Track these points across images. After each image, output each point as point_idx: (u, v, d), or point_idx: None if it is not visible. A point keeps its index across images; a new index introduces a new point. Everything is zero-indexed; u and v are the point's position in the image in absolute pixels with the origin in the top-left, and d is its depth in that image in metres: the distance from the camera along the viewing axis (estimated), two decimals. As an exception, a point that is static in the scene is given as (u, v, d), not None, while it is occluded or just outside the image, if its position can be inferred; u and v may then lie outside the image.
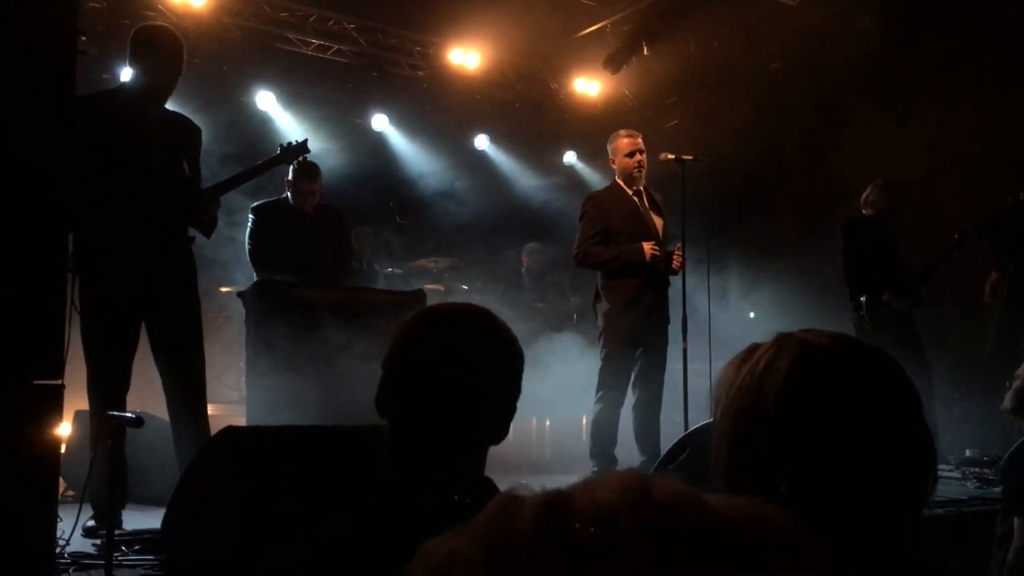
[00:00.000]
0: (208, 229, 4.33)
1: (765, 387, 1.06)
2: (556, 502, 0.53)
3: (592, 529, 0.51)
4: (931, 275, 6.20)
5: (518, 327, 1.65)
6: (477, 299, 7.58)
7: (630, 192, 5.32)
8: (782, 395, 1.04)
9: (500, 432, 1.55)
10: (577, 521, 0.52)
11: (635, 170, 5.27)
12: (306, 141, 4.68)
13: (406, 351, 1.52)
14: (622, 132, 5.44)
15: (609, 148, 5.43)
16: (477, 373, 1.49)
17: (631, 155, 5.30)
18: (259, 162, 4.53)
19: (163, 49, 4.05)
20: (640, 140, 5.36)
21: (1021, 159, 6.48)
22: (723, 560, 0.51)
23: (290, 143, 4.65)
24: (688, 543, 0.51)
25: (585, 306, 7.41)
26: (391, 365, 1.53)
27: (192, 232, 4.24)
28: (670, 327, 5.41)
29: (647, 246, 5.02)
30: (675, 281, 5.42)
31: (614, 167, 5.40)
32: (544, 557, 0.51)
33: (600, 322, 5.29)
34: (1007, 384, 3.07)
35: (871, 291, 6.10)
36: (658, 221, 5.36)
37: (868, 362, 1.09)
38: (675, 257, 5.24)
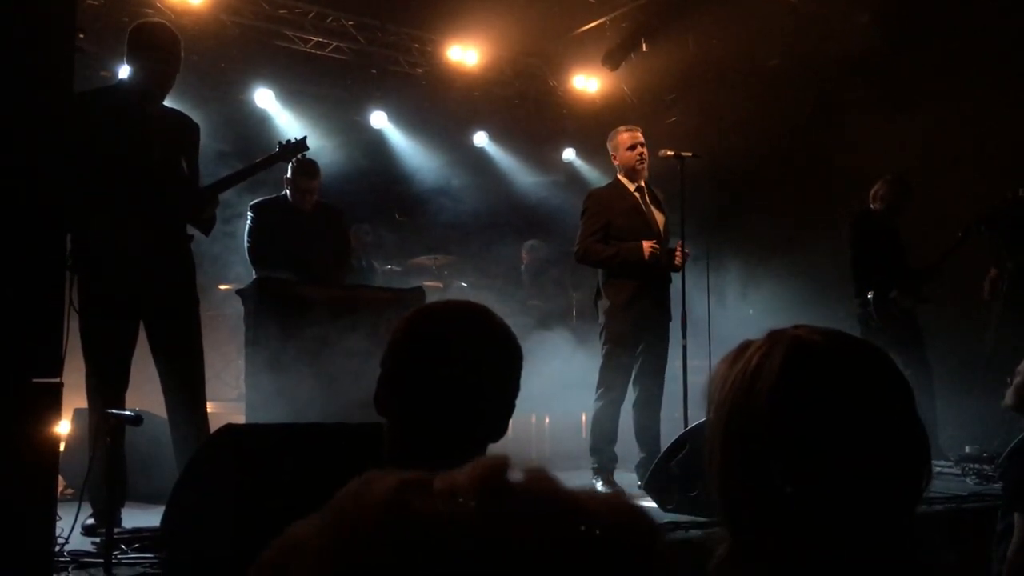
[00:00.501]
0: (207, 227, 4.33)
1: (758, 384, 1.06)
2: (413, 481, 0.54)
3: (438, 506, 0.51)
4: (936, 272, 6.20)
5: (517, 324, 1.65)
6: (476, 296, 7.57)
7: (632, 189, 5.32)
8: (775, 392, 1.04)
9: (499, 429, 1.55)
10: (427, 498, 0.52)
11: (637, 163, 5.27)
12: (305, 138, 4.68)
13: (405, 349, 1.52)
14: (621, 128, 5.45)
15: (609, 146, 5.43)
16: (476, 371, 1.49)
17: (632, 148, 5.29)
18: (258, 159, 4.53)
19: (161, 46, 4.04)
20: (640, 134, 5.36)
21: (1020, 155, 6.47)
22: (560, 546, 0.51)
23: (289, 140, 4.65)
24: (529, 526, 0.50)
25: (585, 302, 7.41)
26: (390, 363, 1.53)
27: (191, 230, 4.24)
28: (670, 324, 5.41)
29: (646, 244, 5.02)
30: (675, 278, 5.42)
31: (616, 163, 5.39)
32: (385, 531, 0.51)
33: (601, 319, 5.28)
34: (1008, 380, 3.08)
35: (878, 287, 6.10)
36: (659, 218, 5.36)
37: (860, 358, 1.09)
38: (677, 254, 5.23)
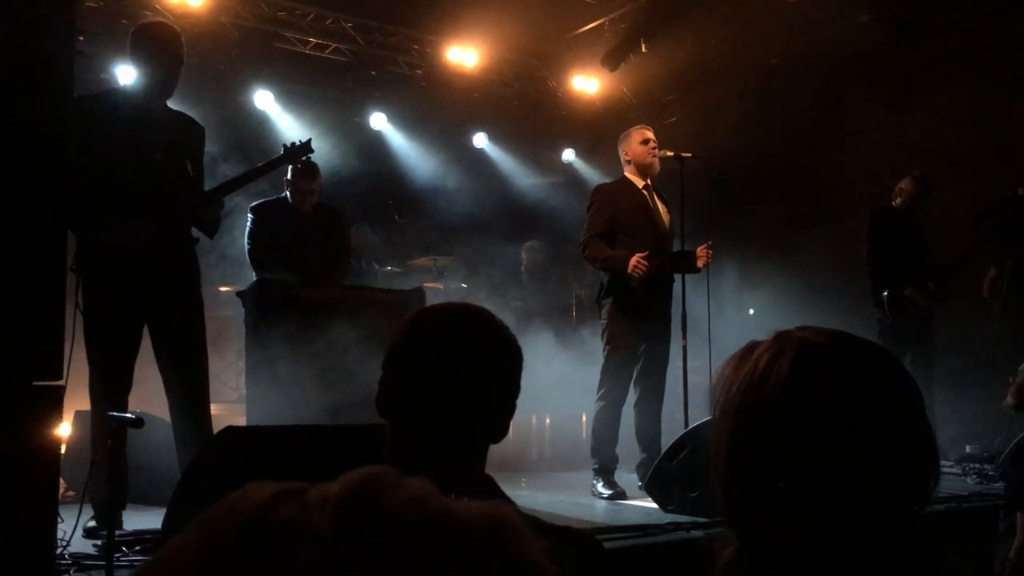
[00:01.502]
0: (211, 230, 4.32)
1: (765, 387, 1.05)
2: (290, 490, 0.53)
3: (300, 516, 0.51)
4: (957, 271, 6.22)
5: (517, 325, 1.65)
6: (475, 297, 7.58)
7: (640, 186, 5.32)
8: (783, 394, 1.04)
9: (500, 430, 1.55)
10: (295, 507, 0.52)
11: (650, 155, 5.27)
12: (310, 141, 4.66)
13: (405, 351, 1.52)
14: (633, 127, 5.46)
15: (621, 148, 5.42)
16: (476, 372, 1.50)
17: (645, 143, 5.30)
18: (263, 163, 4.52)
19: (163, 46, 4.04)
20: (651, 133, 5.37)
21: (1019, 154, 6.48)
22: (420, 555, 0.50)
23: (294, 143, 4.64)
24: (382, 543, 0.50)
25: (589, 295, 7.42)
26: (390, 365, 1.54)
27: (195, 233, 4.23)
28: (671, 325, 5.41)
29: (633, 260, 4.97)
30: (675, 278, 5.42)
31: (626, 158, 5.36)
32: (245, 540, 0.51)
33: (603, 319, 5.28)
34: (1009, 380, 3.08)
35: (893, 285, 6.11)
36: (666, 217, 5.36)
37: (868, 360, 1.08)
38: (700, 255, 5.22)
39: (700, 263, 5.24)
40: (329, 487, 0.53)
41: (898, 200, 6.35)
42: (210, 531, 0.53)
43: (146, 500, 4.15)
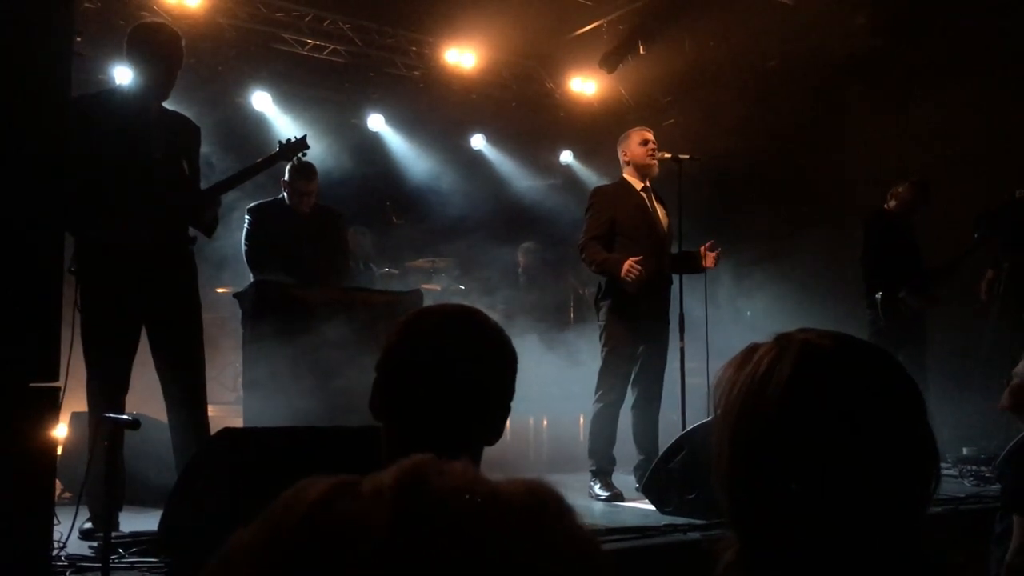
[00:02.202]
0: (210, 228, 4.32)
1: (767, 389, 1.05)
2: (345, 483, 0.56)
3: (360, 506, 0.53)
4: (950, 275, 6.23)
5: (515, 326, 1.65)
6: (473, 299, 7.58)
7: (638, 188, 5.32)
8: (785, 397, 1.04)
9: (494, 432, 1.55)
10: (353, 499, 0.54)
11: (648, 156, 5.27)
12: (305, 137, 4.66)
13: (399, 353, 1.52)
14: (631, 129, 5.46)
15: (620, 149, 5.41)
16: (470, 374, 1.50)
17: (644, 144, 5.30)
18: (259, 160, 4.52)
19: (160, 46, 4.03)
20: (650, 134, 5.37)
21: (1018, 155, 6.49)
22: (472, 543, 0.53)
23: (289, 140, 4.63)
24: (444, 523, 0.53)
25: (588, 292, 7.42)
26: (385, 367, 1.54)
27: (193, 232, 4.23)
28: (670, 327, 5.41)
29: (625, 265, 4.96)
30: (673, 280, 5.41)
31: (625, 160, 5.36)
32: (309, 532, 0.53)
33: (602, 320, 5.27)
34: (1004, 382, 3.08)
35: (887, 287, 6.12)
36: (664, 219, 5.36)
37: (870, 363, 1.09)
38: (710, 256, 5.22)
39: (710, 262, 5.24)
40: (380, 478, 0.55)
41: (893, 203, 6.36)
42: (272, 530, 0.55)
43: (143, 502, 4.14)
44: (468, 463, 0.58)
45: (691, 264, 5.31)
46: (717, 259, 5.27)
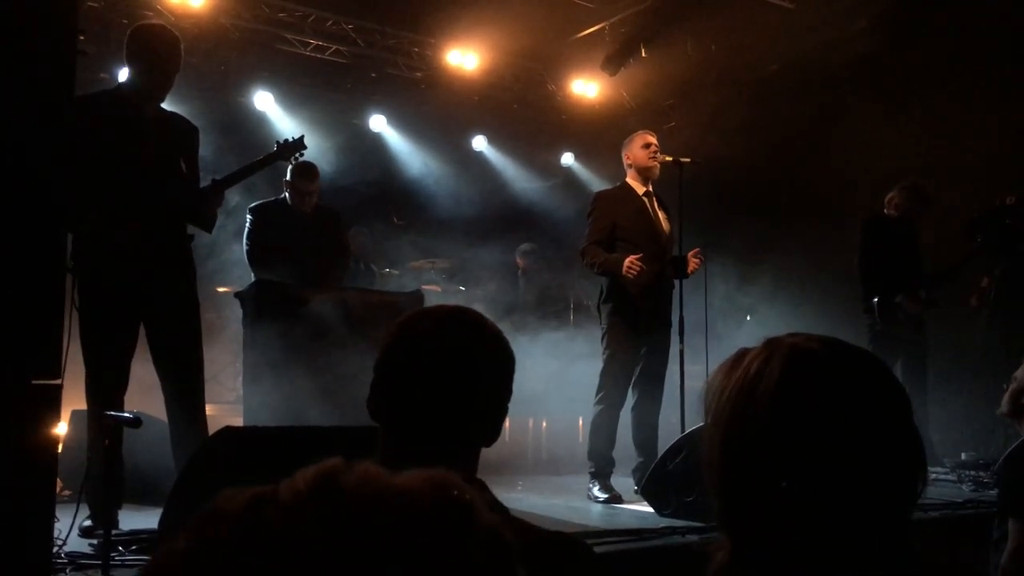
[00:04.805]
0: (209, 224, 4.33)
1: (757, 391, 1.07)
2: (261, 493, 0.59)
3: (283, 516, 0.56)
4: (950, 279, 6.22)
5: (514, 328, 1.66)
6: (473, 300, 7.59)
7: (640, 192, 5.33)
8: (774, 398, 1.06)
9: (491, 434, 1.56)
10: (275, 508, 0.57)
11: (650, 159, 5.28)
12: (303, 137, 4.69)
13: (396, 353, 1.53)
14: (635, 133, 5.48)
15: (624, 152, 5.43)
16: (468, 375, 1.50)
17: (647, 147, 5.31)
18: (257, 158, 4.53)
19: (159, 48, 4.05)
20: (653, 138, 5.38)
21: (1017, 159, 6.49)
22: (381, 536, 0.56)
23: (287, 139, 4.66)
24: (359, 521, 0.56)
25: (587, 300, 7.42)
26: (382, 368, 1.54)
27: (191, 230, 4.24)
28: (671, 330, 5.41)
29: (627, 261, 4.98)
30: (675, 284, 5.42)
31: (628, 163, 5.38)
32: (242, 544, 0.55)
33: (604, 323, 5.28)
34: (1004, 387, 3.09)
35: (884, 292, 6.12)
36: (666, 224, 5.36)
37: (857, 365, 1.10)
38: (692, 261, 5.24)
39: (690, 268, 5.25)
40: (295, 486, 0.59)
41: (890, 210, 6.36)
42: (200, 537, 0.57)
43: (142, 500, 4.15)
44: (371, 463, 0.61)
45: (679, 269, 5.31)
46: (697, 266, 5.28)
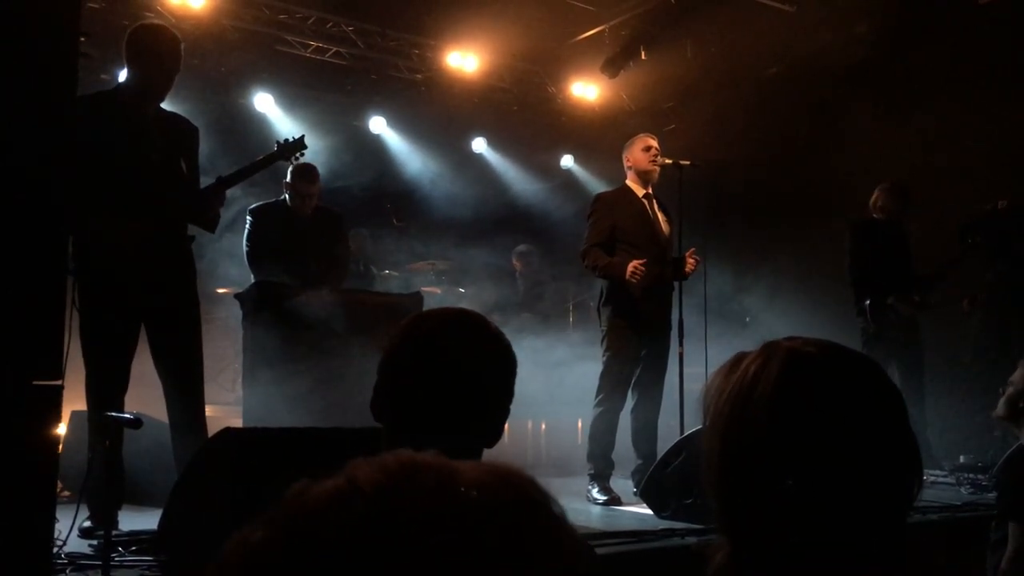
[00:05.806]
0: (212, 224, 4.34)
1: (755, 394, 1.08)
2: (343, 486, 0.60)
3: (372, 505, 0.58)
4: (939, 281, 6.22)
5: (514, 330, 1.67)
6: (473, 302, 7.59)
7: (640, 195, 5.34)
8: (772, 401, 1.07)
9: (493, 435, 1.57)
10: (361, 498, 0.58)
11: (650, 162, 5.29)
12: (303, 137, 4.69)
13: (400, 355, 1.54)
14: (636, 135, 5.49)
15: (624, 155, 5.44)
16: (470, 377, 1.51)
17: (647, 149, 5.33)
18: (257, 158, 4.53)
19: (159, 48, 4.05)
20: (654, 141, 5.39)
21: (1017, 162, 6.50)
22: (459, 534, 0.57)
23: (287, 139, 4.66)
24: (437, 516, 0.58)
25: (586, 302, 7.42)
26: (385, 369, 1.55)
27: (192, 231, 4.24)
28: (671, 333, 5.41)
29: (630, 266, 4.98)
30: (673, 286, 5.42)
31: (628, 165, 5.39)
32: (332, 537, 0.57)
33: (604, 325, 5.28)
34: (1000, 391, 3.09)
35: (875, 294, 6.12)
36: (666, 226, 5.37)
37: (854, 369, 1.11)
38: (689, 261, 5.24)
39: (687, 269, 5.26)
40: (372, 475, 0.60)
41: (876, 213, 6.37)
42: (285, 531, 0.58)
43: (142, 500, 4.15)
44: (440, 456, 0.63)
45: (677, 271, 5.31)
46: (694, 267, 5.29)
